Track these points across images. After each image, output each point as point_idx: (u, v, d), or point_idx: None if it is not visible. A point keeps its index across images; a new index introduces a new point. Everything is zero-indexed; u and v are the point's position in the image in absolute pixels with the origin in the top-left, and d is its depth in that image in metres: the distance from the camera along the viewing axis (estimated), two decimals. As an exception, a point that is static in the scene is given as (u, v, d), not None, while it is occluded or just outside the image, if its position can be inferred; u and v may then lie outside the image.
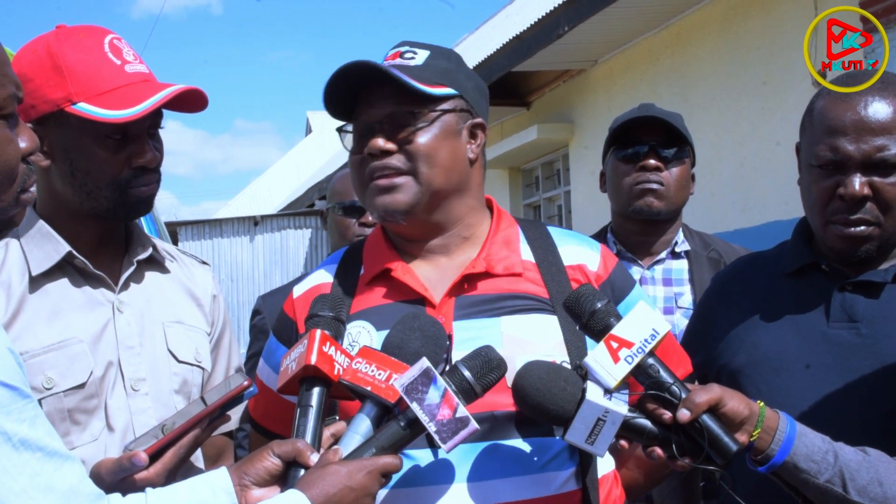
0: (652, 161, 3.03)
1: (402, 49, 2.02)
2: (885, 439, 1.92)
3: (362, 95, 1.98)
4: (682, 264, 3.11)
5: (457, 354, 1.80)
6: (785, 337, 2.16)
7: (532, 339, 1.89)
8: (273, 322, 3.52)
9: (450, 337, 1.87)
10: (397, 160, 1.94)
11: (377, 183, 1.95)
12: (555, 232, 2.09)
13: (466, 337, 1.86)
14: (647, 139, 3.05)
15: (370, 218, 3.58)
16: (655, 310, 2.10)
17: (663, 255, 3.12)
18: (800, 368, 2.11)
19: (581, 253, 2.05)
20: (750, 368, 2.17)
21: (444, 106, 1.96)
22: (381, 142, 1.94)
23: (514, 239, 2.04)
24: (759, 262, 2.38)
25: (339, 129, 2.05)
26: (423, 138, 1.94)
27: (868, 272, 2.13)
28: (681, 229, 3.17)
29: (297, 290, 2.12)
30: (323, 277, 2.10)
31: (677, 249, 3.13)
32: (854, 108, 2.06)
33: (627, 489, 2.09)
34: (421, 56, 2.00)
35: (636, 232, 3.11)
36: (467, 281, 1.96)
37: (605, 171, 3.21)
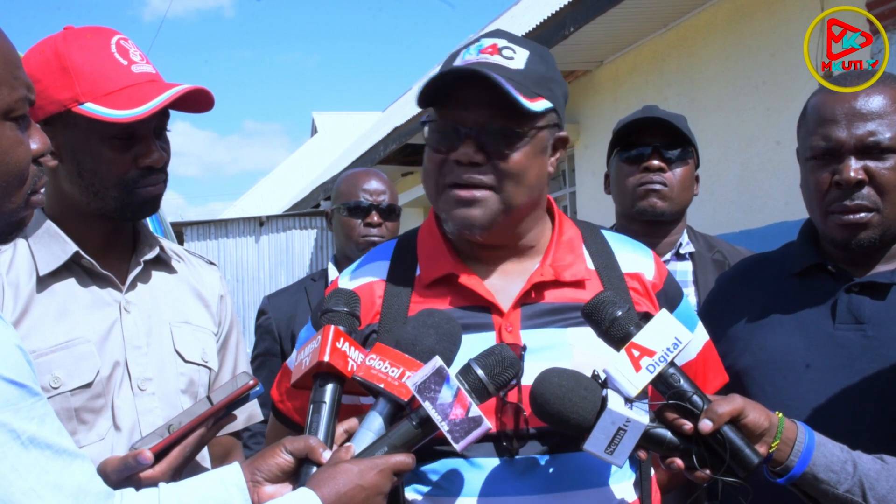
0: (655, 162, 3.04)
1: (500, 43, 1.87)
2: (891, 442, 1.91)
3: (457, 90, 1.83)
4: (687, 266, 3.12)
5: (528, 366, 1.78)
6: (791, 338, 2.15)
7: (600, 352, 1.82)
8: (282, 322, 3.54)
9: (524, 347, 1.84)
10: (485, 174, 1.83)
11: (457, 193, 1.85)
12: (609, 237, 2.05)
13: (536, 347, 1.81)
14: (651, 140, 3.06)
15: (375, 218, 3.59)
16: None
17: (668, 256, 3.12)
18: (805, 369, 2.11)
19: (638, 260, 2.01)
20: (755, 370, 2.17)
21: (541, 122, 1.86)
22: (469, 152, 1.82)
23: (577, 244, 1.99)
24: (765, 263, 2.37)
25: (424, 122, 1.92)
26: (516, 156, 1.82)
27: (875, 273, 2.13)
28: (685, 231, 3.18)
29: (349, 285, 1.98)
30: (375, 274, 1.99)
31: (682, 251, 3.14)
32: (845, 98, 2.09)
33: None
34: (520, 57, 1.85)
35: (640, 233, 3.11)
36: (535, 289, 1.91)
37: (609, 172, 3.22)
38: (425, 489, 1.83)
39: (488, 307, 1.89)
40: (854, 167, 2.07)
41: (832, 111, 2.10)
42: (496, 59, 1.84)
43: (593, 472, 1.84)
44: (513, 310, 1.89)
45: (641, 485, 1.90)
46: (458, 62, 1.87)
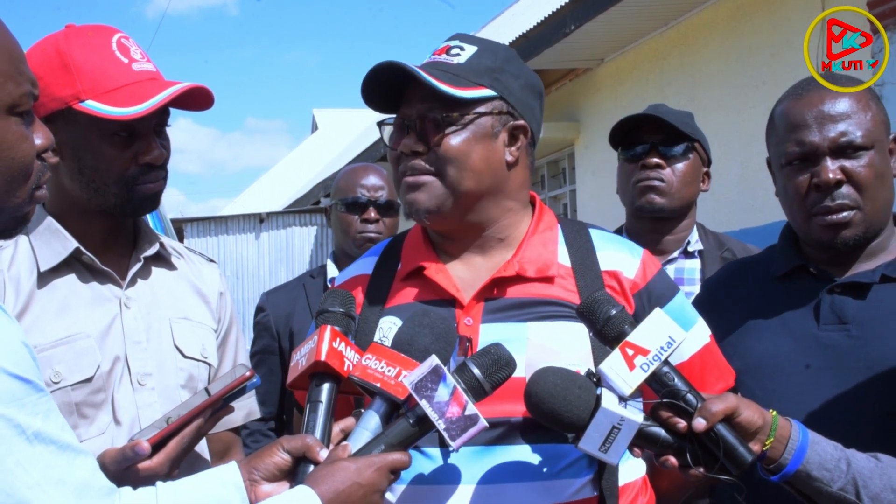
0: (653, 159, 3.09)
1: (452, 44, 2.01)
2: (884, 440, 1.93)
3: (405, 91, 1.97)
4: (695, 264, 3.14)
5: None
6: (777, 341, 2.18)
7: (558, 347, 1.87)
8: (281, 319, 3.54)
9: (469, 340, 1.88)
10: (426, 161, 1.94)
11: (406, 180, 1.96)
12: (596, 235, 2.07)
13: (491, 340, 1.83)
14: (649, 138, 3.12)
15: (372, 214, 3.57)
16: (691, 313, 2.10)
17: (675, 254, 3.15)
18: (795, 371, 2.13)
19: (619, 259, 2.02)
20: (744, 374, 2.18)
21: (480, 108, 1.94)
22: (410, 142, 1.94)
23: (552, 241, 2.02)
24: (749, 267, 2.41)
25: (380, 123, 2.05)
26: (453, 141, 1.92)
27: (856, 273, 2.16)
28: (696, 229, 3.21)
29: (339, 280, 2.15)
30: (363, 269, 2.11)
31: (690, 249, 3.16)
32: (812, 103, 2.13)
33: (661, 497, 2.06)
34: (466, 53, 1.97)
35: (646, 230, 3.15)
36: (498, 284, 1.95)
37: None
38: None
39: (453, 300, 1.94)
40: (831, 168, 2.10)
41: (802, 116, 2.14)
42: (441, 57, 1.99)
43: (540, 465, 1.86)
44: (475, 303, 1.94)
45: (601, 483, 1.90)
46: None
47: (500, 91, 1.95)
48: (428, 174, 1.94)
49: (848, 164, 2.10)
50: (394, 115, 2.02)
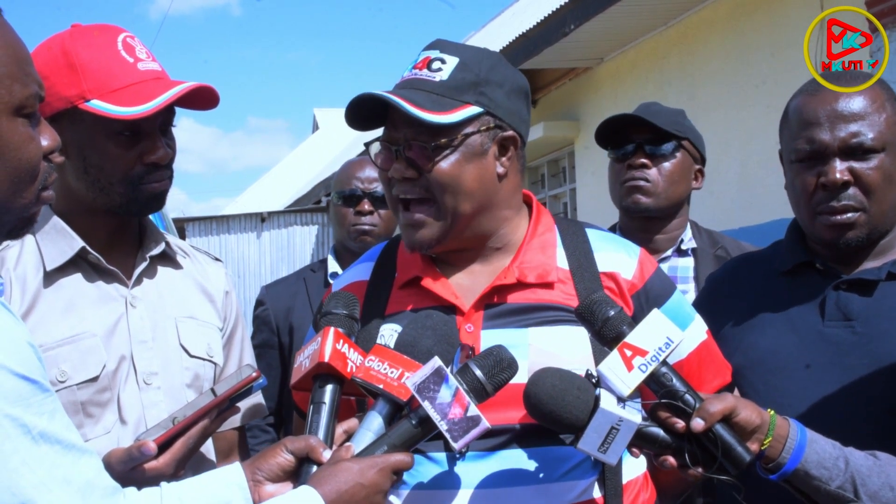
0: (638, 159, 3.08)
1: (433, 55, 1.95)
2: (885, 437, 1.93)
3: (389, 110, 1.93)
4: (688, 262, 3.13)
5: None
6: (781, 337, 2.17)
7: (560, 352, 1.87)
8: (280, 313, 3.54)
9: (473, 349, 1.88)
10: (419, 186, 1.91)
11: (406, 219, 1.94)
12: (594, 235, 2.06)
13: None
14: (636, 138, 3.11)
15: (366, 206, 3.55)
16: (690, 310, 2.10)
17: (669, 252, 3.14)
18: (798, 368, 2.13)
19: (617, 260, 2.02)
20: (747, 369, 2.18)
21: (468, 129, 1.90)
22: (401, 168, 1.91)
23: (551, 244, 2.02)
24: (753, 263, 2.40)
25: (367, 144, 2.02)
26: (444, 165, 1.89)
27: (862, 270, 2.16)
28: (689, 227, 3.20)
29: (336, 285, 2.13)
30: (361, 275, 2.10)
31: (683, 247, 3.15)
32: (826, 100, 2.12)
33: (663, 491, 2.07)
34: (448, 67, 1.92)
35: (636, 229, 3.14)
36: (498, 291, 1.94)
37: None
38: None
39: (453, 307, 1.94)
40: (839, 168, 2.09)
41: (815, 114, 2.12)
42: (423, 73, 1.94)
43: (545, 468, 1.86)
44: (475, 311, 1.94)
45: (605, 483, 1.90)
46: (399, 80, 1.97)
47: (486, 105, 1.92)
48: (424, 203, 1.92)
49: (857, 165, 2.09)
50: (379, 133, 1.98)
